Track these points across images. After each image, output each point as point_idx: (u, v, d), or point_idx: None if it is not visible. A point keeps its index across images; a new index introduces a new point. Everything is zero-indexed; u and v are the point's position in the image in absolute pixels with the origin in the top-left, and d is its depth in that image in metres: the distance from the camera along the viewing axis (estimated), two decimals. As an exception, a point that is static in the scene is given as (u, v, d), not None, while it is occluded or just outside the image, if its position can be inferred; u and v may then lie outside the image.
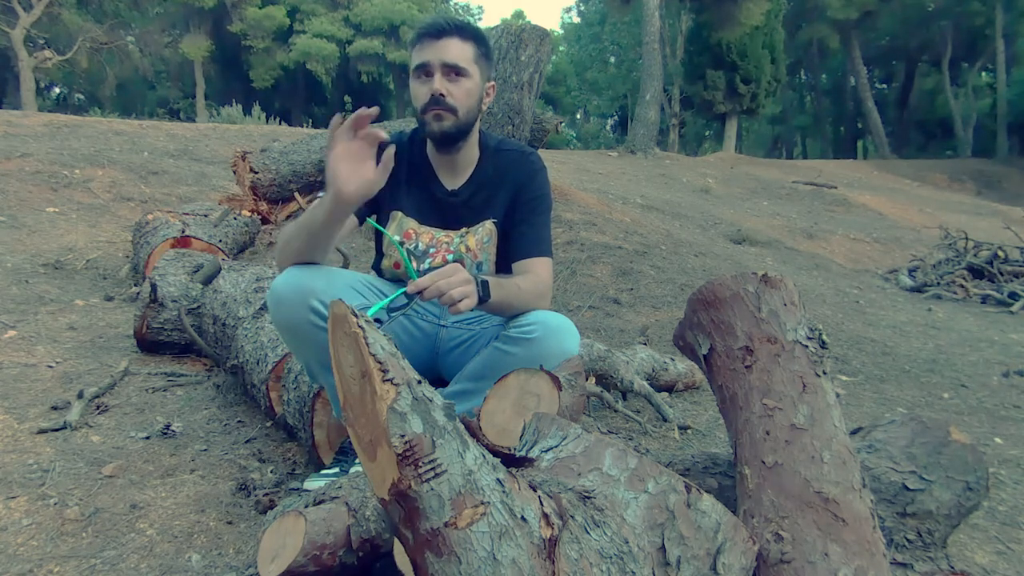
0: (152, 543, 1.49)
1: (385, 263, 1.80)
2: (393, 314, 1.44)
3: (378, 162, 1.41)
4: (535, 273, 1.66)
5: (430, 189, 1.73)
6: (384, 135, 1.41)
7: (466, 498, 0.88)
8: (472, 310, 1.52)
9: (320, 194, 1.65)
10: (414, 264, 1.73)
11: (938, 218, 10.65)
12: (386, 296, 1.63)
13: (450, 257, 1.72)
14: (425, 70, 1.61)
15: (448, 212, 1.73)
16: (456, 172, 1.73)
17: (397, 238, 1.74)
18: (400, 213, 1.74)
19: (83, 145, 7.15)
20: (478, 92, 1.65)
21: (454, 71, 1.60)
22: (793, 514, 1.16)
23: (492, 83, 1.72)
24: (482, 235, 1.73)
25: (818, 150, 35.10)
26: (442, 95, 1.59)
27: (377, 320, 1.36)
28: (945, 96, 28.04)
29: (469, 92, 1.63)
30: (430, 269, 1.69)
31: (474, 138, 1.72)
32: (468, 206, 1.73)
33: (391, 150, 1.39)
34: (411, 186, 1.73)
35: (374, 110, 1.39)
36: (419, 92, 1.62)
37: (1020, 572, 1.59)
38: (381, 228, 1.69)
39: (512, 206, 1.72)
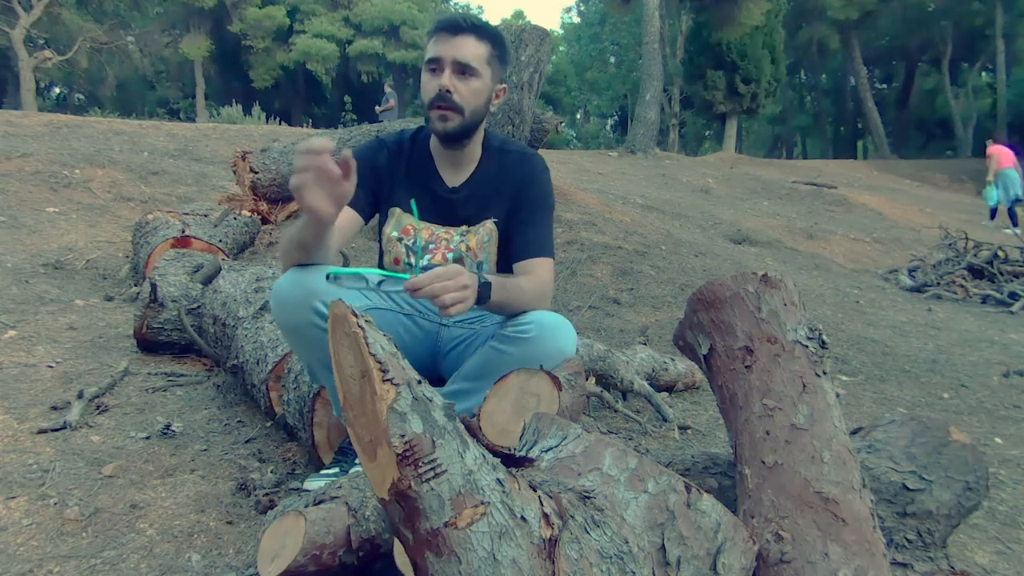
0: (152, 543, 1.49)
1: (386, 260, 1.80)
2: (382, 288, 1.40)
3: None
4: (536, 274, 1.66)
5: (431, 186, 1.73)
6: (348, 154, 1.34)
7: (466, 498, 0.88)
8: (472, 309, 1.52)
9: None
10: (412, 259, 1.73)
11: (938, 218, 10.65)
12: (387, 294, 1.60)
13: (451, 256, 1.72)
14: (437, 64, 1.60)
15: (448, 209, 1.73)
16: (458, 169, 1.73)
17: (395, 234, 1.74)
18: (399, 209, 1.74)
19: (83, 145, 7.15)
20: (487, 93, 1.65)
21: (465, 69, 1.59)
22: (793, 514, 1.16)
23: (504, 86, 1.71)
24: (483, 235, 1.73)
25: (818, 150, 35.12)
26: (448, 91, 1.59)
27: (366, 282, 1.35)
28: (945, 96, 28.06)
29: (477, 92, 1.62)
30: (431, 266, 1.70)
31: (478, 136, 1.72)
32: (469, 203, 1.73)
33: (348, 151, 1.35)
34: (411, 183, 1.73)
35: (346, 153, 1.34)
36: (428, 86, 1.62)
37: (1020, 572, 1.59)
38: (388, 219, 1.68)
39: (514, 206, 1.71)
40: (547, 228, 1.73)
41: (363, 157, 1.69)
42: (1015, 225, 11.21)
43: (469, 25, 1.61)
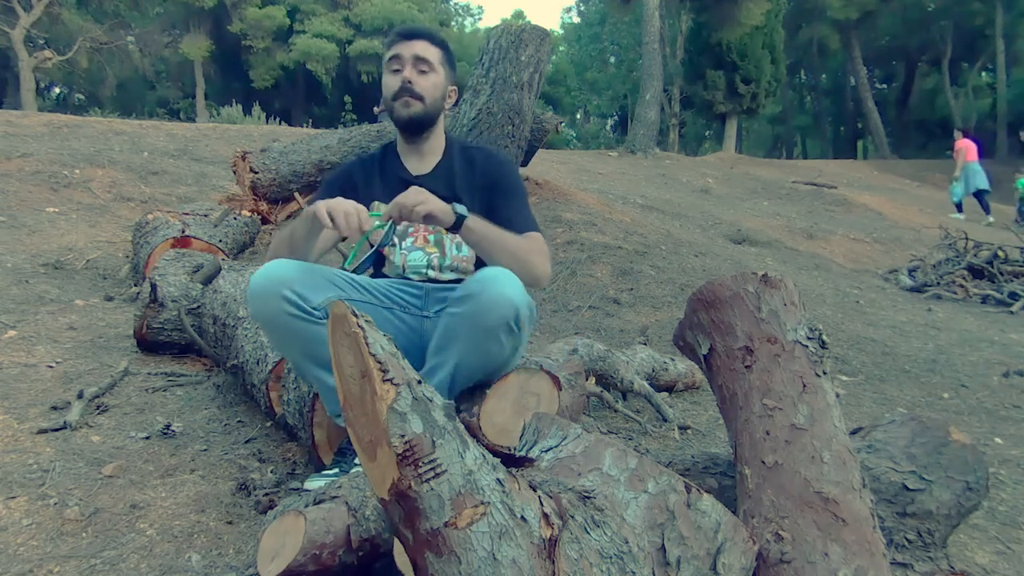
0: (152, 543, 1.49)
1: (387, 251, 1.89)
2: (379, 245, 1.65)
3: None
4: (528, 239, 1.76)
5: (399, 175, 1.87)
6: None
7: (466, 498, 0.89)
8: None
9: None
10: (395, 242, 1.85)
11: (938, 218, 10.64)
12: (365, 288, 1.73)
13: (431, 237, 1.84)
14: (398, 62, 1.79)
15: None
16: (421, 160, 1.88)
17: (377, 224, 1.83)
18: (377, 201, 1.86)
19: (83, 145, 7.15)
20: (442, 88, 1.83)
21: (423, 64, 1.78)
22: (793, 514, 1.16)
23: (454, 88, 1.89)
24: None
25: (818, 150, 35.10)
26: (410, 82, 1.77)
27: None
28: (945, 96, 28.04)
29: (435, 85, 1.81)
30: (414, 248, 1.83)
31: (439, 131, 1.88)
32: (438, 184, 1.83)
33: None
34: (383, 178, 1.88)
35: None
36: (391, 82, 1.81)
37: (1020, 572, 1.59)
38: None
39: (491, 200, 1.83)
40: (527, 208, 1.87)
41: (340, 172, 1.94)
42: (987, 212, 11.60)
43: (422, 31, 1.84)
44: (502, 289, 1.51)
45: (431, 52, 1.80)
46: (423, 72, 1.78)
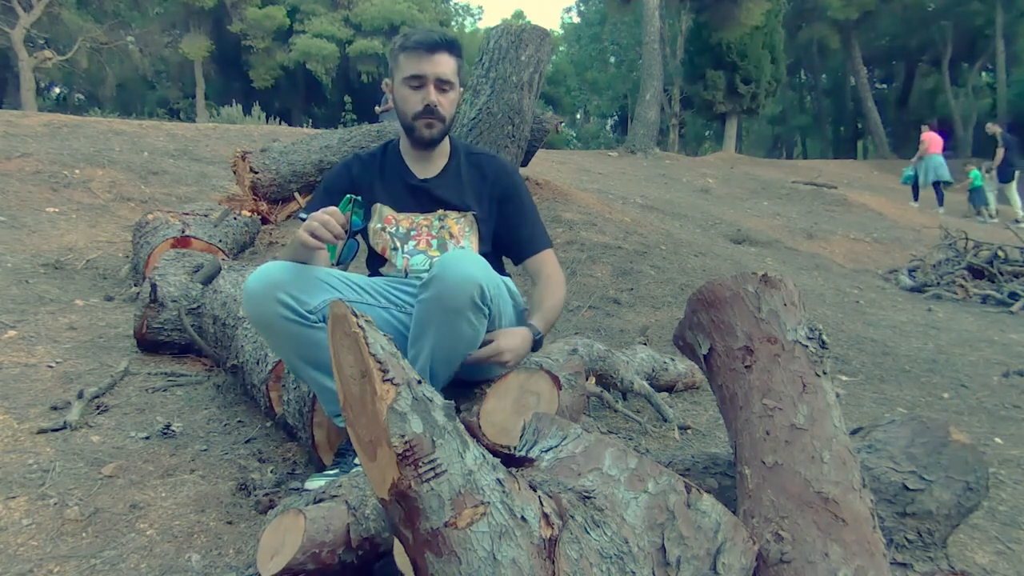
0: (152, 543, 1.49)
1: (376, 251, 1.90)
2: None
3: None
4: (549, 274, 1.86)
5: (404, 179, 1.88)
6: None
7: (466, 498, 0.89)
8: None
9: (301, 214, 1.82)
10: (397, 244, 1.87)
11: (938, 218, 10.65)
12: (361, 287, 1.74)
13: (434, 243, 1.84)
14: (420, 81, 1.78)
15: (421, 197, 1.87)
16: (428, 165, 1.89)
17: (379, 225, 1.88)
18: (379, 204, 1.88)
19: (83, 145, 7.14)
20: (458, 101, 1.87)
21: (445, 85, 1.79)
22: (793, 514, 1.16)
23: (462, 90, 1.91)
24: (464, 225, 1.86)
25: (818, 150, 35.09)
26: (436, 106, 1.78)
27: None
28: (945, 96, 28.02)
29: (453, 102, 1.84)
30: (416, 251, 1.84)
31: (446, 137, 1.90)
32: (442, 188, 1.87)
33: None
34: (386, 181, 1.89)
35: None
36: (412, 99, 1.79)
37: (1020, 572, 1.59)
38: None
39: (501, 206, 1.88)
40: (539, 219, 1.93)
41: (339, 172, 1.92)
42: (940, 204, 12.12)
43: (443, 43, 1.79)
44: (463, 268, 1.53)
45: (452, 66, 1.79)
46: (444, 92, 1.80)
